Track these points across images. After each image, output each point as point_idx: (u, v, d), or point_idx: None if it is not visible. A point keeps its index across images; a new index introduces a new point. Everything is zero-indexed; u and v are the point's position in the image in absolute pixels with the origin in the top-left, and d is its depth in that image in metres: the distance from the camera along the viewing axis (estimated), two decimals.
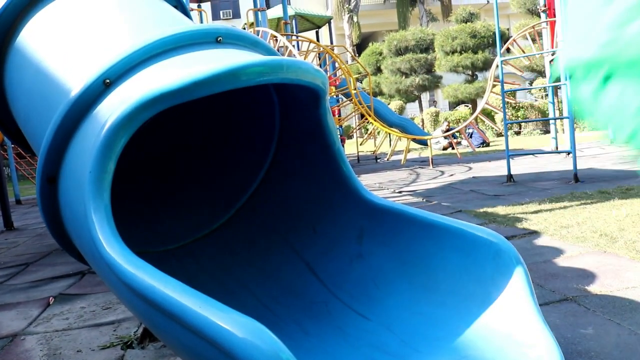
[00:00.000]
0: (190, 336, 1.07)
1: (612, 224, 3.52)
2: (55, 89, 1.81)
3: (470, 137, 11.83)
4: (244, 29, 10.17)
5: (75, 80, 1.72)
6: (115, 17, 1.96)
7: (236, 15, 26.65)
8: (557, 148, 9.09)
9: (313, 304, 1.93)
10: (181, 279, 1.22)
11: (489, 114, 13.43)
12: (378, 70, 23.40)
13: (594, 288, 2.38)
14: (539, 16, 10.38)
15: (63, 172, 1.59)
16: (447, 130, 12.69)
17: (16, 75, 2.19)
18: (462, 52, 18.90)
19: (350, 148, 14.34)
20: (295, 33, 10.58)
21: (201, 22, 10.85)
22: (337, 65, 10.18)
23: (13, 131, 2.65)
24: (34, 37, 2.09)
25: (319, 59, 10.97)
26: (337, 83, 11.16)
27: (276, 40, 8.04)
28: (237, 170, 2.32)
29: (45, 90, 1.89)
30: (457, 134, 10.90)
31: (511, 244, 1.60)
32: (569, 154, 7.08)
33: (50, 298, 2.94)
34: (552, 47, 8.89)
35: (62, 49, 1.93)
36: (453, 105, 23.22)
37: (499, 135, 15.10)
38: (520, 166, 7.62)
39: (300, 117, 1.94)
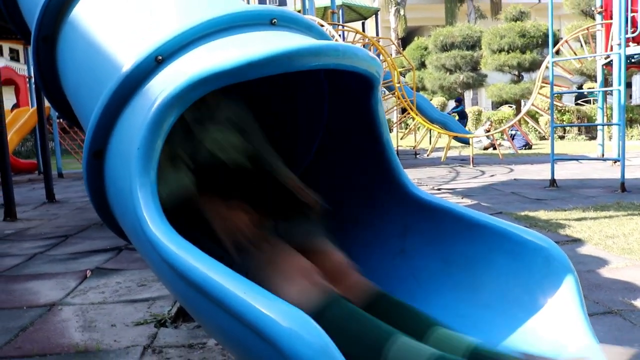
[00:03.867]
0: (232, 321, 1.05)
1: None
2: (106, 64, 1.81)
3: (513, 138, 11.59)
4: None
5: (126, 56, 1.70)
6: None
7: (282, 2, 26.69)
8: (603, 155, 8.82)
9: None
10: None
11: (533, 116, 13.12)
12: (422, 65, 23.11)
13: None
14: (593, 18, 10.06)
15: (110, 147, 1.59)
16: (489, 130, 12.47)
17: (68, 48, 2.20)
18: (510, 51, 18.50)
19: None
20: (341, 23, 10.51)
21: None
22: (381, 57, 10.08)
23: (60, 103, 2.67)
24: (87, 12, 2.10)
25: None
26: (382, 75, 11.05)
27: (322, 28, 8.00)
28: (282, 156, 2.29)
29: (96, 65, 1.89)
30: (500, 134, 10.69)
31: (562, 251, 1.53)
32: (616, 162, 6.85)
33: (88, 271, 2.98)
34: (606, 51, 8.61)
35: (114, 25, 1.92)
36: (496, 105, 22.79)
37: (542, 138, 14.76)
38: (564, 171, 7.42)
39: (351, 106, 1.90)
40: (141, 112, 1.45)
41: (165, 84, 1.45)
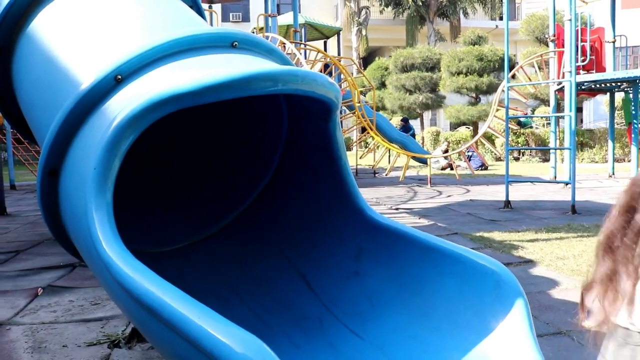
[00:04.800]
0: (185, 346, 1.05)
1: None
2: (64, 80, 1.79)
3: (470, 159, 11.83)
4: (253, 33, 10.18)
5: (85, 73, 1.69)
6: (129, 12, 1.94)
7: (246, 19, 26.65)
8: (555, 177, 9.09)
9: (306, 317, 1.91)
10: (174, 282, 1.20)
11: (489, 138, 13.44)
12: (382, 85, 23.41)
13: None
14: (547, 45, 10.42)
15: (66, 166, 1.57)
16: (447, 151, 12.70)
17: (25, 61, 2.17)
18: (468, 74, 18.95)
19: (349, 161, 14.34)
20: (304, 42, 10.59)
21: (211, 23, 10.88)
22: (342, 76, 10.19)
23: (15, 116, 2.62)
24: (46, 26, 2.07)
25: (325, 70, 10.98)
26: (342, 95, 11.17)
27: (284, 47, 8.04)
28: (239, 177, 2.30)
29: (53, 80, 1.87)
30: (458, 155, 10.91)
31: (512, 274, 1.58)
32: (567, 184, 7.08)
33: (39, 289, 2.90)
34: (559, 77, 8.92)
35: (73, 41, 1.90)
36: (454, 126, 23.25)
37: (498, 159, 15.12)
38: (518, 192, 7.62)
39: (309, 129, 1.92)
40: (98, 132, 1.45)
41: (123, 105, 1.45)
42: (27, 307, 2.63)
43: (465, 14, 27.37)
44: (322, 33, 15.45)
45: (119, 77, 1.55)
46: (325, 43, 15.81)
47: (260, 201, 2.26)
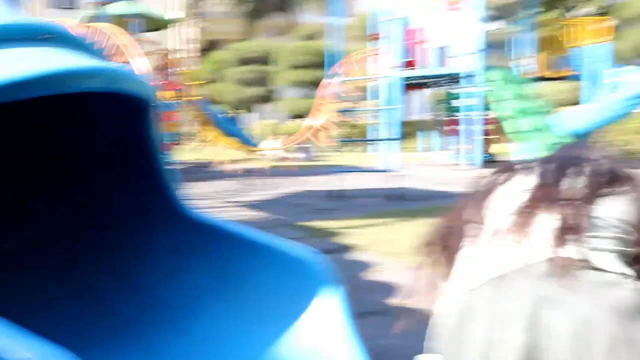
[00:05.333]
0: None
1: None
2: None
3: (302, 151, 12.22)
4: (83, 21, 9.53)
5: None
6: None
7: (75, 5, 24.68)
8: (380, 166, 9.72)
9: (129, 320, 1.87)
10: None
11: (320, 130, 13.97)
12: (221, 78, 23.30)
13: (405, 301, 2.59)
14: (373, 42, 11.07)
15: None
16: (283, 144, 12.99)
17: None
18: (303, 68, 19.55)
19: (185, 155, 14.04)
20: (139, 32, 10.12)
21: (32, 10, 9.98)
22: (180, 70, 9.96)
23: None
24: None
25: (162, 62, 10.62)
26: (178, 88, 10.88)
27: (117, 39, 7.66)
28: (56, 178, 2.18)
29: None
30: (292, 147, 11.22)
31: (324, 261, 1.69)
32: (389, 172, 7.62)
33: None
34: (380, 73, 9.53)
35: None
36: (290, 118, 23.85)
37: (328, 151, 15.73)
38: (347, 181, 8.02)
39: (122, 128, 1.88)
40: None
41: None
42: None
43: (301, 9, 28.10)
44: (158, 24, 14.89)
45: None
46: (162, 35, 15.24)
47: (78, 203, 2.16)
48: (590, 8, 19.99)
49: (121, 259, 1.94)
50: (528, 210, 0.74)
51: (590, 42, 10.72)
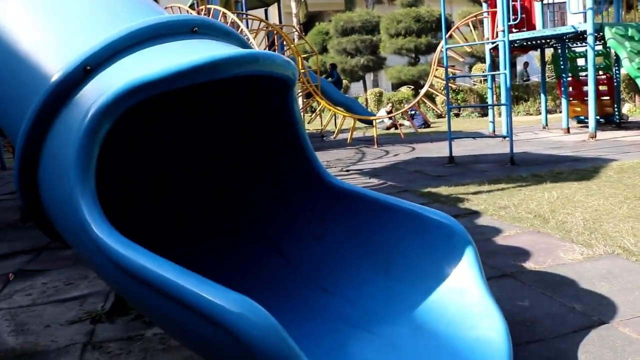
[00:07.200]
0: (185, 314, 1.18)
1: (544, 205, 3.81)
2: (29, 73, 1.83)
3: (413, 118, 12.14)
4: (193, 6, 10.01)
5: (51, 65, 1.73)
6: (89, 3, 1.98)
7: None
8: (494, 132, 9.49)
9: (278, 280, 2.06)
10: None
11: (430, 96, 13.79)
12: (324, 49, 23.51)
13: (529, 265, 2.62)
14: (481, 5, 10.70)
15: (44, 160, 1.63)
16: (390, 111, 12.97)
17: None
18: (406, 35, 19.25)
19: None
20: (245, 11, 10.51)
21: None
22: (285, 44, 10.22)
23: None
24: (4, 16, 2.08)
25: (268, 39, 10.95)
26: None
27: (225, 18, 8.01)
28: (208, 160, 2.40)
29: (17, 73, 1.90)
30: (401, 115, 11.18)
31: (462, 225, 1.78)
32: (505, 138, 7.43)
33: (10, 274, 2.94)
34: (492, 36, 9.23)
35: (35, 33, 1.93)
36: (396, 86, 23.61)
37: (439, 116, 15.53)
38: (460, 148, 7.93)
39: (267, 107, 2.05)
40: (74, 122, 1.52)
41: (96, 94, 1.53)
42: (1, 292, 2.68)
43: None
44: (261, 1, 15.28)
45: (88, 67, 1.62)
46: (266, 11, 15.63)
47: (231, 174, 2.37)
48: None
49: (272, 224, 2.13)
50: None
51: None
